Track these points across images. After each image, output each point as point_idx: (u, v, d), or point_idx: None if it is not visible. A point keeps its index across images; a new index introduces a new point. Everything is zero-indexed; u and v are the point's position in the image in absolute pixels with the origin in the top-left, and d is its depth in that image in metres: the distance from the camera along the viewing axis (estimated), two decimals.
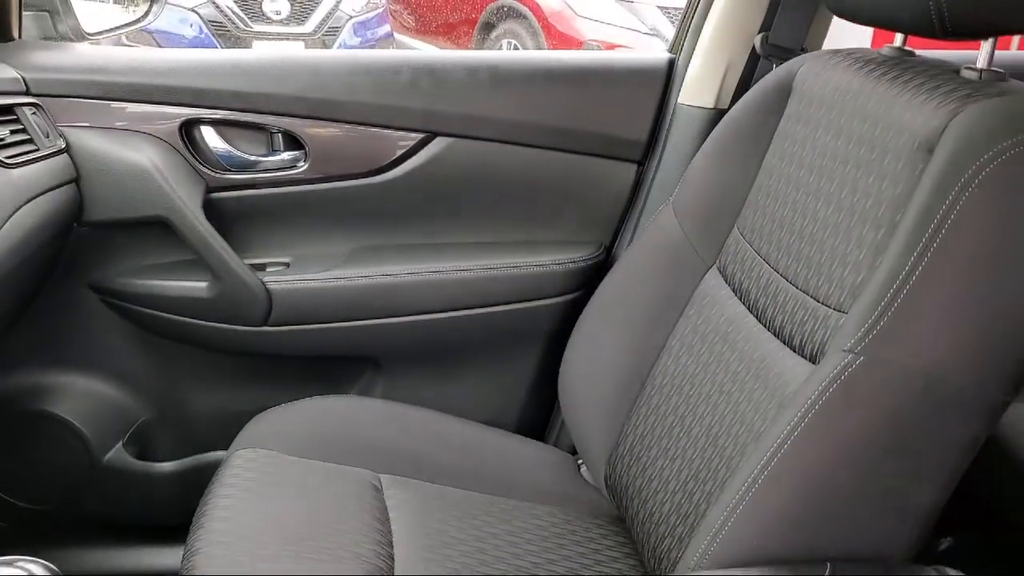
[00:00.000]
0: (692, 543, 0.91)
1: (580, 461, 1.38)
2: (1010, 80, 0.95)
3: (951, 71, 0.98)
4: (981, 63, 0.96)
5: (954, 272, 0.85)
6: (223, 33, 5.89)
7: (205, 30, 5.87)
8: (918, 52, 1.08)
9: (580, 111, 1.49)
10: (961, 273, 0.85)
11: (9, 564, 0.70)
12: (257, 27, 6.02)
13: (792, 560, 0.86)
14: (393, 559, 1.09)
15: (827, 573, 0.84)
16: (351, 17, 6.45)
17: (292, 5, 6.24)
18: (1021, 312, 0.85)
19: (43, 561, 0.72)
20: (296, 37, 6.16)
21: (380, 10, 6.73)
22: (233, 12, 5.97)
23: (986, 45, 0.96)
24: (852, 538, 0.88)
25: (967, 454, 0.88)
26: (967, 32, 0.94)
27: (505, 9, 6.23)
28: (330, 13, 6.34)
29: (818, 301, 0.98)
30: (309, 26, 6.25)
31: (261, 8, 6.10)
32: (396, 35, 6.82)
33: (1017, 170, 0.83)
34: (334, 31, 6.28)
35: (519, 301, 1.50)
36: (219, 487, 1.16)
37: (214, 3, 5.96)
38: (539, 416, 1.56)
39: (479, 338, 1.52)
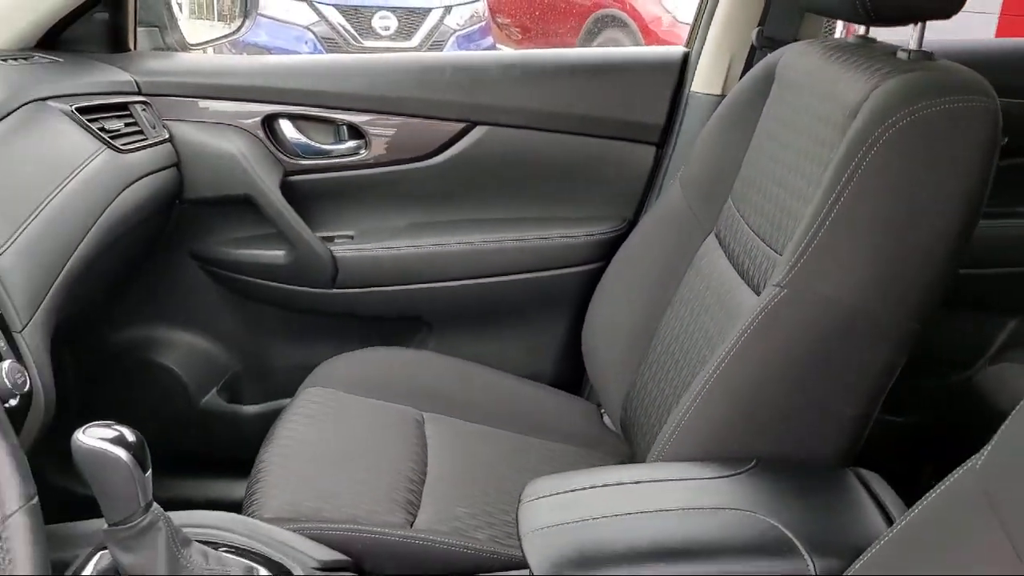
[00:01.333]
0: (656, 441, 1.10)
1: (603, 411, 1.56)
2: (937, 60, 1.10)
3: (890, 53, 1.14)
4: (913, 45, 1.11)
5: (863, 215, 1.01)
6: (335, 48, 6.27)
7: (319, 46, 6.27)
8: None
9: (605, 100, 1.68)
10: (869, 215, 1.01)
11: (108, 427, 0.94)
12: (367, 43, 6.36)
13: (727, 458, 1.04)
14: (426, 475, 1.31)
15: (751, 466, 1.01)
16: (455, 31, 6.72)
17: (399, 21, 6.56)
18: (921, 249, 1.00)
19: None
20: (403, 51, 6.45)
21: (483, 23, 7.00)
22: (344, 29, 6.34)
23: (915, 29, 1.11)
24: (781, 442, 1.05)
25: (885, 376, 1.04)
26: (891, 19, 1.10)
27: (607, 18, 6.40)
28: (435, 27, 6.63)
29: (767, 245, 1.16)
30: (415, 40, 6.56)
31: (370, 24, 6.44)
32: (500, 47, 7.06)
33: (912, 131, 0.99)
34: (439, 44, 6.56)
35: (550, 269, 1.71)
36: (287, 416, 1.40)
37: (327, 21, 6.35)
38: (572, 372, 1.75)
39: (515, 301, 1.73)
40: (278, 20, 6.33)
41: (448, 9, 6.83)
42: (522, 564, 0.94)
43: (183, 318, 1.76)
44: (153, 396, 1.75)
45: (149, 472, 0.91)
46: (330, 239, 1.72)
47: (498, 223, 1.73)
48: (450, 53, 5.85)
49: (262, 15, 6.27)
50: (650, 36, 5.98)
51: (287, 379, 1.67)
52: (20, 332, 1.05)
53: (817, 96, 1.17)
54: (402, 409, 1.43)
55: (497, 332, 1.75)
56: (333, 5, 6.32)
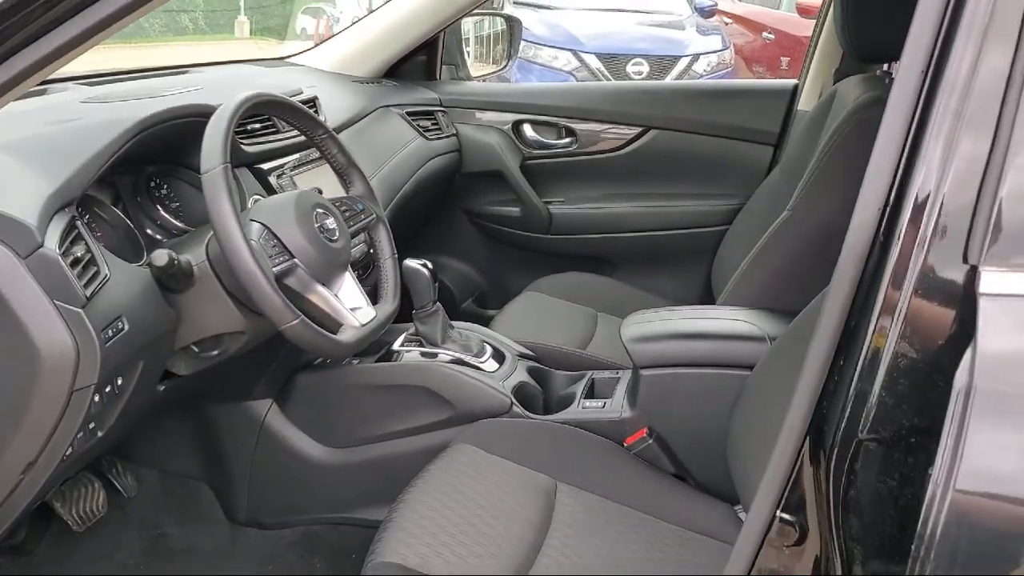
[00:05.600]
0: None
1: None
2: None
3: (882, 78, 1.84)
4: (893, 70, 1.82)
5: (840, 165, 1.68)
6: None
7: None
8: None
9: (739, 114, 2.46)
10: (845, 165, 1.67)
11: (417, 260, 1.84)
12: None
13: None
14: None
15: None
16: (702, 76, 7.35)
17: (651, 67, 7.31)
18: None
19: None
20: None
21: (728, 69, 7.65)
22: (602, 73, 7.16)
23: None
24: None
25: None
26: (872, 58, 1.81)
27: None
28: (683, 72, 7.29)
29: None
30: None
31: (625, 69, 7.23)
32: None
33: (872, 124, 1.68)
34: None
35: (693, 227, 2.50)
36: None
37: (587, 67, 7.23)
38: (706, 296, 2.47)
39: (668, 247, 2.54)
40: (546, 66, 7.26)
41: (696, 57, 7.52)
42: None
43: (454, 250, 2.71)
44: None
45: (436, 284, 1.80)
46: (549, 202, 2.61)
47: (660, 195, 2.56)
48: (636, 82, 6.41)
49: (533, 62, 7.32)
50: None
51: (515, 294, 2.55)
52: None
53: (842, 107, 1.88)
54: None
55: (656, 268, 2.56)
56: (593, 53, 7.17)
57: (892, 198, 0.81)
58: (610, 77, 7.15)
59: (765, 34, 8.64)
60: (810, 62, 2.41)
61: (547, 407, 1.81)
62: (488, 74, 2.92)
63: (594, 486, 1.48)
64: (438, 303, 1.82)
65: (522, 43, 7.24)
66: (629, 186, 2.58)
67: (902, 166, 0.81)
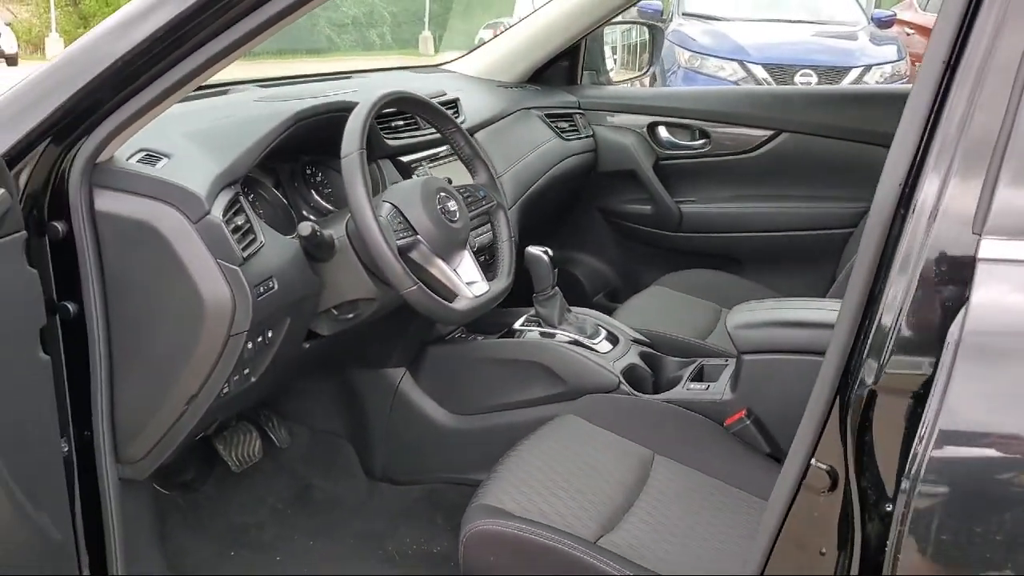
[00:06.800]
0: None
1: None
2: None
3: None
4: None
5: None
6: None
7: None
8: None
9: (865, 117, 2.48)
10: None
11: (539, 247, 2.00)
12: None
13: None
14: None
15: None
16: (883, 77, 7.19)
17: (820, 78, 7.18)
18: None
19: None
20: None
21: (904, 79, 7.40)
22: (767, 83, 7.09)
23: None
24: None
25: None
26: None
27: None
28: (854, 83, 7.13)
29: None
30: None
31: (793, 80, 7.10)
32: None
33: None
34: None
35: (818, 229, 2.54)
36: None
37: (753, 78, 7.18)
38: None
39: (793, 247, 2.59)
40: (712, 76, 7.28)
41: (868, 68, 7.36)
42: None
43: (587, 247, 2.86)
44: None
45: (556, 270, 1.96)
46: (680, 201, 2.72)
47: (789, 197, 2.62)
48: (768, 87, 6.40)
49: (699, 72, 7.36)
50: None
51: (644, 289, 2.66)
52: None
53: None
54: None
55: (782, 267, 2.62)
56: (760, 63, 7.16)
57: (911, 176, 0.90)
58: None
59: None
60: None
61: (656, 389, 1.92)
62: (627, 79, 3.05)
63: (690, 460, 1.55)
64: (557, 288, 1.97)
65: (687, 53, 7.33)
66: (759, 187, 2.65)
67: (921, 148, 0.90)
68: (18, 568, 1.22)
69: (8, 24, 20.12)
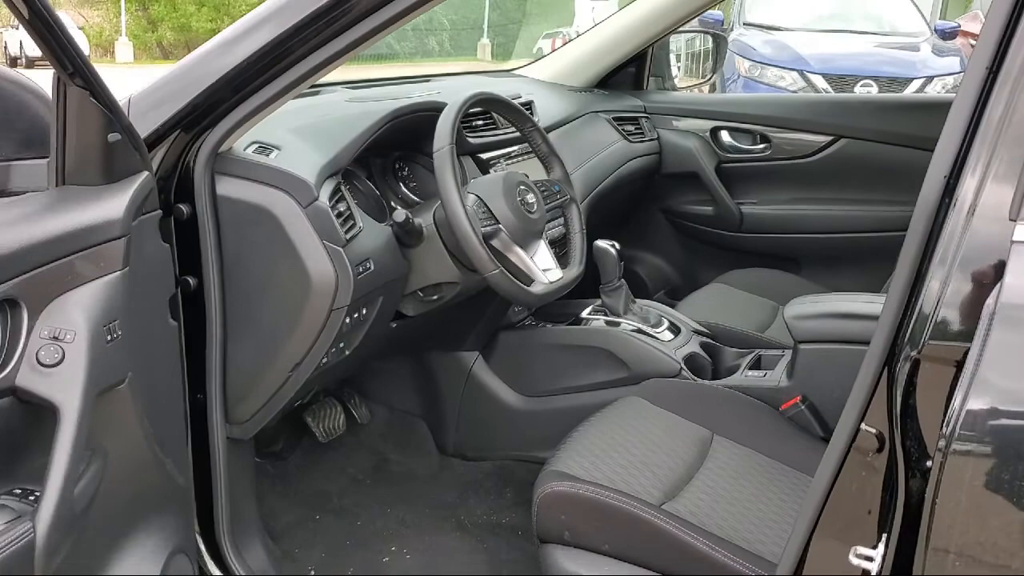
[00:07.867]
0: None
1: None
2: None
3: None
4: None
5: None
6: None
7: None
8: None
9: (919, 123, 2.56)
10: None
11: (607, 241, 2.13)
12: None
13: None
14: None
15: None
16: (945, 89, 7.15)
17: (880, 88, 7.11)
18: None
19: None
20: None
21: None
22: (827, 93, 7.10)
23: None
24: None
25: None
26: None
27: None
28: (919, 89, 7.15)
29: None
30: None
31: (852, 91, 7.11)
32: None
33: None
34: None
35: (874, 231, 2.64)
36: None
37: (813, 88, 7.18)
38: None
39: (851, 249, 2.68)
40: (772, 86, 7.33)
41: (929, 79, 7.32)
42: None
43: (650, 246, 2.98)
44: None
45: (622, 263, 2.08)
46: (741, 202, 2.83)
47: (848, 200, 2.71)
48: (828, 95, 6.44)
49: (759, 82, 7.42)
50: None
51: (704, 283, 2.77)
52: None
53: None
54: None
55: (840, 268, 2.71)
56: (821, 74, 7.17)
57: (955, 169, 1.02)
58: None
59: None
60: None
61: (715, 376, 2.04)
62: (691, 86, 3.17)
63: (747, 440, 1.65)
64: (622, 279, 2.10)
65: (748, 63, 7.36)
66: (818, 190, 2.75)
67: (965, 143, 1.02)
68: (155, 506, 1.39)
69: (80, 28, 20.85)
